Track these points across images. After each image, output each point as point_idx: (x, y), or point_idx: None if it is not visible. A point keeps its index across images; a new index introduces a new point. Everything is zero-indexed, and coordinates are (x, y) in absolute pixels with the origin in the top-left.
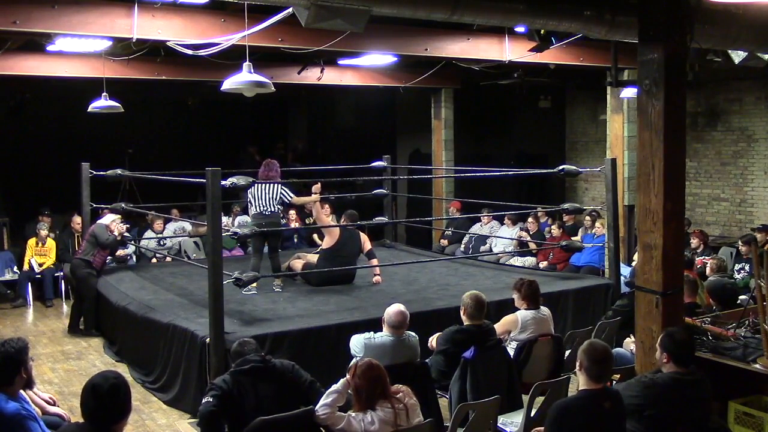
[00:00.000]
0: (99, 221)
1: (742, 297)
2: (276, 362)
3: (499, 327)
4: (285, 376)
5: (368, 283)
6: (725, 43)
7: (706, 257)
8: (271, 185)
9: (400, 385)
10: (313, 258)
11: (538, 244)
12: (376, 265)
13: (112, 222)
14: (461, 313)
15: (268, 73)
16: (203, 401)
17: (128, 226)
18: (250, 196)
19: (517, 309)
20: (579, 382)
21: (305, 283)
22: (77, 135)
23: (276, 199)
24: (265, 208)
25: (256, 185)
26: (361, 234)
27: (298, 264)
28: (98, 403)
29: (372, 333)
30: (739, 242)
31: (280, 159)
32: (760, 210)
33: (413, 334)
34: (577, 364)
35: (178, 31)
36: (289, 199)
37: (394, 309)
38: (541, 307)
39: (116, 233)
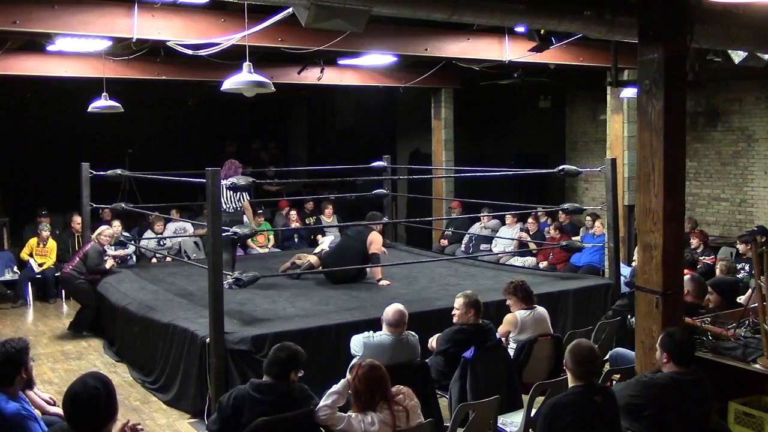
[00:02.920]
0: (93, 237)
1: (741, 297)
2: (296, 391)
3: (500, 328)
4: (302, 406)
5: (368, 284)
6: (725, 43)
7: (707, 257)
8: None
9: (402, 387)
10: (313, 258)
11: (538, 244)
12: (371, 266)
13: (98, 235)
14: (461, 314)
15: (268, 73)
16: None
17: (117, 239)
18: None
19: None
20: (568, 381)
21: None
22: (77, 135)
23: (236, 197)
24: (228, 206)
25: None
26: (371, 236)
27: (311, 258)
28: (78, 413)
29: (371, 332)
30: (737, 242)
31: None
32: (760, 210)
33: (413, 333)
34: (565, 364)
35: (178, 31)
36: (243, 202)
37: (392, 308)
38: (537, 306)
39: (105, 245)
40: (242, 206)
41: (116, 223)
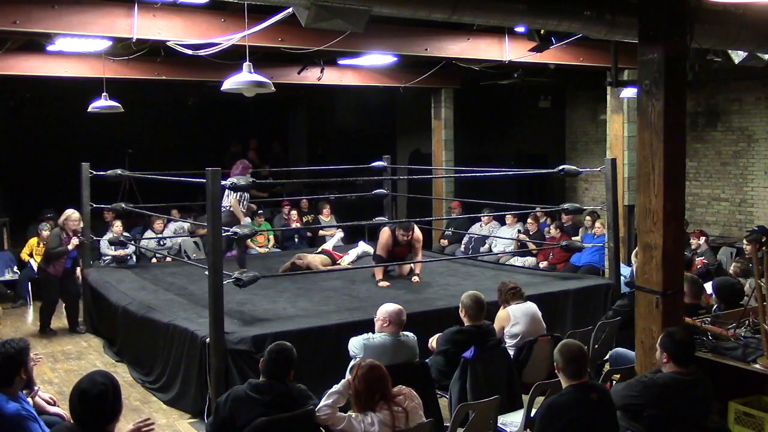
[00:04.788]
0: (60, 221)
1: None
2: (295, 391)
3: (494, 326)
4: (300, 406)
5: (368, 284)
6: (725, 43)
7: (706, 258)
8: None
9: (402, 387)
10: (314, 259)
11: (538, 244)
12: (373, 266)
13: (65, 220)
14: (461, 314)
15: (268, 73)
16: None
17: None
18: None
19: None
20: (562, 382)
21: None
22: (77, 135)
23: (228, 197)
24: (224, 207)
25: None
26: (381, 235)
27: (313, 259)
28: (86, 409)
29: (370, 334)
30: (744, 241)
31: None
32: (760, 210)
33: (411, 334)
34: (555, 365)
35: (178, 31)
36: (230, 199)
37: (394, 307)
38: (527, 301)
39: (70, 232)
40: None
41: (117, 223)
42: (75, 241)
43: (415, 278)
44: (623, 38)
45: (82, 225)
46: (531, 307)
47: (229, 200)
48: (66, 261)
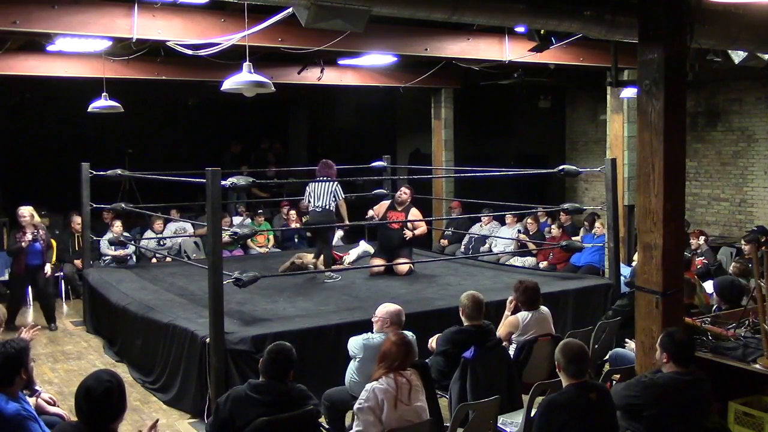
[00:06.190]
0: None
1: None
2: (295, 391)
3: (501, 329)
4: (299, 407)
5: (369, 283)
6: (725, 43)
7: (707, 258)
8: (329, 183)
9: (409, 369)
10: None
11: (538, 244)
12: (377, 265)
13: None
14: (460, 313)
15: (268, 73)
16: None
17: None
18: (308, 191)
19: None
20: (562, 381)
21: None
22: (77, 135)
23: (330, 196)
24: (319, 205)
25: (314, 183)
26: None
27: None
28: (91, 407)
29: (369, 333)
30: (742, 241)
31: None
32: (760, 210)
33: (410, 333)
34: (557, 364)
35: (178, 31)
36: (338, 198)
37: (394, 307)
38: (541, 306)
39: (27, 229)
40: (337, 204)
41: (117, 223)
42: (27, 237)
43: (408, 233)
44: (623, 38)
45: (36, 219)
46: (543, 314)
47: (336, 197)
48: (28, 258)
